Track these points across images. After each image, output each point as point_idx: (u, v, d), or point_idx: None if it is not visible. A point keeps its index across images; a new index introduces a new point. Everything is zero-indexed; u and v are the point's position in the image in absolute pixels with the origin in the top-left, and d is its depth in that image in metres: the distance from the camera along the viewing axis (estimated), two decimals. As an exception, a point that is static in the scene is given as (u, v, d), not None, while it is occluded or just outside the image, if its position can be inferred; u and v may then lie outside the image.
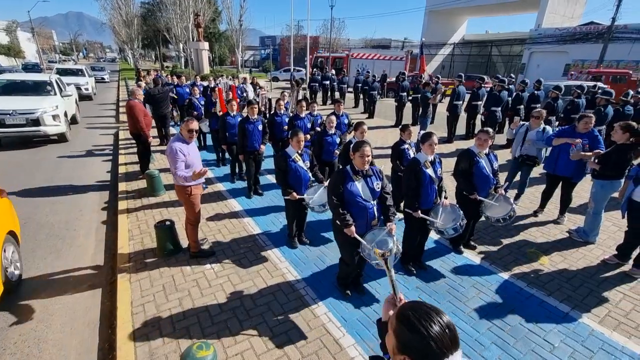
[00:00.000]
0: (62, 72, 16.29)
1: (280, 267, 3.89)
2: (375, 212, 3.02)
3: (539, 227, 4.97)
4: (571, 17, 31.06)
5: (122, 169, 6.96)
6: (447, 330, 0.90)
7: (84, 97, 15.78)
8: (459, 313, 3.23)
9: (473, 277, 3.77)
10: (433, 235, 4.54)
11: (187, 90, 9.28)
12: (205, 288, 3.52)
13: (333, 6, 22.82)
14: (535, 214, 5.34)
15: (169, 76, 13.23)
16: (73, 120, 10.91)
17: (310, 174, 4.06)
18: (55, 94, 9.33)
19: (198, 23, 23.78)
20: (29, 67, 28.42)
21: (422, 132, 3.89)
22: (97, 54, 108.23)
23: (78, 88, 14.58)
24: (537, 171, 7.00)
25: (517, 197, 5.69)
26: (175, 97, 9.29)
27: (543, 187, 6.40)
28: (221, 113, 6.43)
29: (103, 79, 26.72)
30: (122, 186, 6.11)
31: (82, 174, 6.97)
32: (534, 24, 29.73)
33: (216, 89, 7.74)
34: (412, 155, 4.70)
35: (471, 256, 4.18)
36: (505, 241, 4.55)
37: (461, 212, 3.48)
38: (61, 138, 9.05)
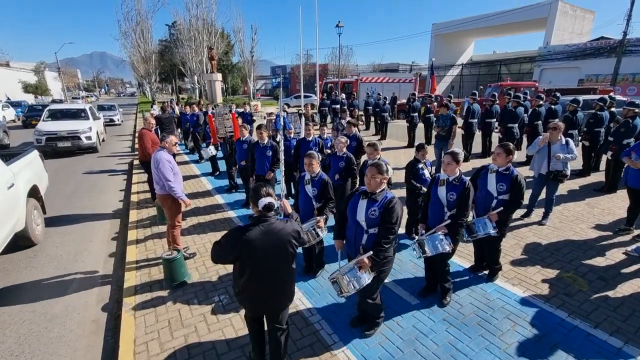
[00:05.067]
0: (55, 115, 12.56)
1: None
2: (365, 241, 2.74)
3: (572, 249, 4.56)
4: (580, 33, 31.01)
5: (134, 197, 6.94)
6: (267, 190, 2.26)
7: (86, 149, 11.87)
8: (494, 349, 2.86)
9: (506, 307, 3.40)
10: (462, 262, 4.22)
11: (194, 118, 10.02)
12: (212, 323, 3.27)
13: (341, 34, 23.47)
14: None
15: (184, 106, 13.62)
16: (24, 242, 4.89)
17: (315, 203, 3.73)
18: None
19: (212, 56, 24.83)
20: (37, 109, 19.46)
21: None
22: (118, 89, 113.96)
23: (77, 138, 11.35)
24: (565, 188, 6.63)
25: (544, 216, 5.32)
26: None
27: (572, 204, 6.05)
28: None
29: (112, 120, 19.75)
30: (133, 215, 6.04)
31: (96, 203, 6.98)
32: (542, 41, 29.76)
33: (207, 115, 8.04)
34: (427, 174, 4.51)
35: (502, 283, 3.81)
36: (538, 265, 4.17)
37: (443, 241, 3.16)
38: None
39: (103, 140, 13.93)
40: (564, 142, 4.90)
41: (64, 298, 3.90)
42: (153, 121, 6.75)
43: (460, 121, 9.15)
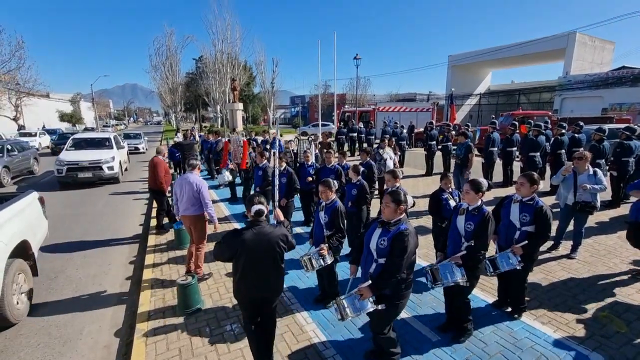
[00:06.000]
0: (79, 144, 12.26)
1: (307, 330, 3.49)
2: (373, 269, 2.65)
3: (606, 285, 4.24)
4: (600, 63, 30.70)
5: (153, 222, 7.08)
6: (258, 199, 2.67)
7: (107, 180, 11.46)
8: (524, 395, 2.62)
9: (536, 348, 3.15)
10: (485, 297, 4.00)
11: (214, 146, 10.79)
12: (223, 354, 3.18)
13: (358, 65, 24.23)
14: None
15: (207, 134, 14.27)
16: None
17: (325, 230, 3.68)
18: None
19: (234, 87, 25.98)
20: (67, 137, 17.72)
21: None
22: (146, 118, 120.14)
23: (99, 168, 10.99)
24: (593, 220, 6.29)
25: (573, 249, 5.03)
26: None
27: (602, 237, 5.71)
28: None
29: (137, 148, 20.32)
30: (152, 239, 6.13)
31: (118, 226, 7.16)
32: (562, 71, 29.59)
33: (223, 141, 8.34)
34: (452, 204, 4.38)
35: (530, 321, 3.56)
36: (569, 302, 3.88)
37: (454, 271, 3.03)
38: None
39: (126, 170, 13.59)
40: (591, 172, 4.71)
41: (79, 321, 3.91)
42: (165, 151, 7.00)
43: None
